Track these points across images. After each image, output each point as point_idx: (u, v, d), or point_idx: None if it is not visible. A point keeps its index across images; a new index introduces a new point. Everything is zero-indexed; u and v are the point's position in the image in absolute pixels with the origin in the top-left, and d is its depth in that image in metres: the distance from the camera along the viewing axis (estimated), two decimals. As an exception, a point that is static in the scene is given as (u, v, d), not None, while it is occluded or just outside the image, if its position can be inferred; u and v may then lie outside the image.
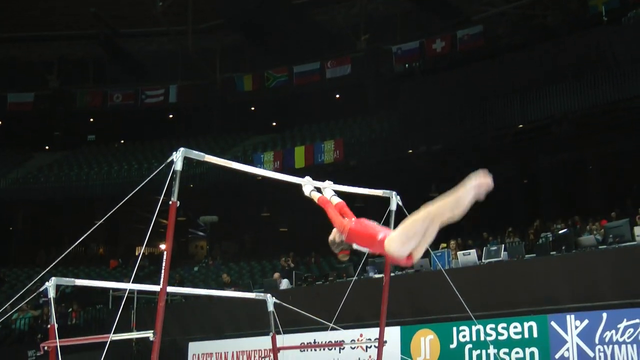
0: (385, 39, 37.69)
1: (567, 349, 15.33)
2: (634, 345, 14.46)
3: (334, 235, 8.20)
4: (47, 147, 44.69)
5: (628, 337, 14.59)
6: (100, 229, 36.11)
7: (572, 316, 15.45)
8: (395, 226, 10.45)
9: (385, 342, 11.30)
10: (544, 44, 29.87)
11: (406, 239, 7.17)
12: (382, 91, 36.63)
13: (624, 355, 14.57)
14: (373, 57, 38.06)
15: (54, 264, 10.06)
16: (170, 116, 44.69)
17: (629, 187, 28.18)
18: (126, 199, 8.79)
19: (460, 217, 6.88)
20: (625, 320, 14.69)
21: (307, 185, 8.87)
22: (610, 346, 14.78)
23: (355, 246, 8.04)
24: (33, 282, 12.54)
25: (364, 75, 38.24)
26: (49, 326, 11.03)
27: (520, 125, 28.64)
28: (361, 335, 18.04)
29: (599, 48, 27.10)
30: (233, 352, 21.31)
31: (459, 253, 19.39)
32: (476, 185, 6.62)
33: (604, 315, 15.02)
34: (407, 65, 36.84)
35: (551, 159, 30.34)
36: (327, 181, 9.10)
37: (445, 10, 34.31)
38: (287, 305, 13.61)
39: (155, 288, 9.20)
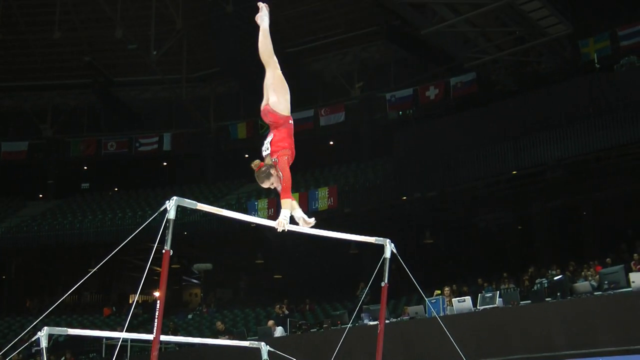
0: (379, 86, 37.87)
1: (564, 396, 15.32)
2: (630, 393, 14.46)
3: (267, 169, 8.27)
4: (40, 196, 44.56)
5: None
6: (94, 277, 35.96)
7: (569, 363, 15.46)
8: (389, 275, 10.43)
9: None
10: (537, 90, 30.02)
11: (285, 92, 8.40)
12: (376, 138, 36.73)
13: (621, 403, 14.57)
14: (367, 104, 38.17)
15: (46, 312, 9.97)
16: (165, 164, 44.69)
17: (623, 233, 28.20)
18: (120, 247, 8.75)
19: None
20: (620, 366, 14.72)
21: (285, 219, 8.27)
22: (607, 393, 14.78)
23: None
24: (25, 331, 12.42)
25: (357, 122, 38.33)
26: (42, 376, 10.92)
27: (514, 172, 28.68)
28: (357, 384, 17.95)
29: (591, 95, 27.29)
30: (228, 401, 21.21)
31: (454, 300, 19.39)
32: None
33: (600, 361, 15.05)
34: (400, 112, 36.98)
35: (545, 205, 30.35)
36: (311, 218, 8.82)
37: (439, 57, 34.48)
38: (281, 354, 13.53)
39: (149, 337, 9.12)
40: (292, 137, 8.36)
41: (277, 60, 8.38)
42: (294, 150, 8.32)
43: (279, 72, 8.37)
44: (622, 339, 15.26)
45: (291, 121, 8.46)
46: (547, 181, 28.48)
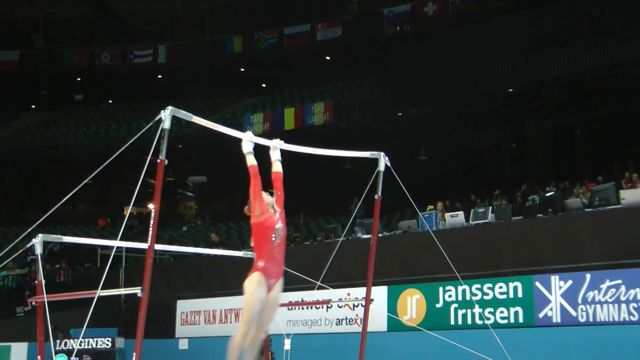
0: (377, 1, 37.43)
1: (551, 309, 15.56)
2: (616, 305, 14.70)
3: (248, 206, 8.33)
4: (33, 107, 44.46)
5: (610, 297, 14.86)
6: (88, 189, 36.16)
7: (557, 277, 15.70)
8: (383, 189, 10.48)
9: (372, 300, 11.32)
10: (536, 8, 29.80)
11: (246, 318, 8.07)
12: (372, 54, 36.55)
13: (606, 315, 14.81)
14: (364, 19, 37.86)
15: (40, 220, 10.00)
16: (159, 77, 44.49)
17: (616, 152, 28.31)
18: (113, 157, 8.74)
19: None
20: (607, 280, 14.98)
21: (247, 142, 8.51)
22: (593, 306, 15.00)
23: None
24: (19, 238, 12.52)
25: (354, 38, 38.07)
26: (36, 282, 11.07)
27: (510, 90, 28.70)
28: (348, 295, 18.16)
29: (591, 14, 27.15)
30: (221, 310, 21.48)
31: (447, 215, 19.50)
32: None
33: (587, 276, 15.28)
34: (398, 28, 36.74)
35: (540, 123, 30.43)
36: (276, 140, 8.99)
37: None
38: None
39: (144, 246, 9.22)
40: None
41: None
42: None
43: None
44: (610, 254, 15.40)
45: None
46: (543, 99, 28.51)
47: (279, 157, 8.88)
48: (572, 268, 15.74)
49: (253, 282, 8.04)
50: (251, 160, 8.36)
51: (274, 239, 8.19)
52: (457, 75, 29.45)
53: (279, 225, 8.26)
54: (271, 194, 8.49)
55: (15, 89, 43.72)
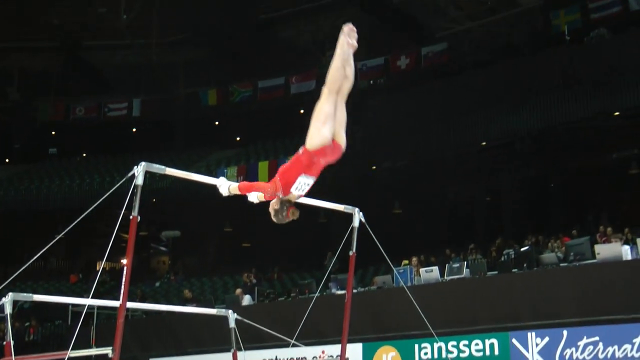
0: (350, 54, 37.67)
1: (528, 366, 15.48)
2: (593, 363, 14.65)
3: (272, 205, 7.83)
4: (7, 160, 44.26)
5: (588, 355, 14.87)
6: (60, 243, 35.76)
7: (533, 333, 15.71)
8: (358, 245, 10.51)
9: (347, 359, 11.24)
10: (507, 61, 30.16)
11: (321, 124, 7.56)
12: (346, 107, 36.56)
13: (584, 373, 14.75)
14: (338, 72, 38.02)
15: (11, 278, 9.93)
16: (134, 130, 44.43)
17: (590, 205, 28.47)
18: (87, 212, 8.73)
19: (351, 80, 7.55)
20: (585, 337, 15.00)
21: (223, 185, 8.17)
22: (571, 363, 14.95)
23: (295, 191, 7.80)
24: (-11, 297, 12.33)
25: (328, 90, 38.16)
26: (4, 343, 10.89)
27: (484, 143, 28.81)
28: (323, 352, 18.11)
29: (561, 67, 27.43)
30: (194, 369, 21.26)
31: (422, 270, 19.49)
32: (344, 34, 7.43)
33: (565, 332, 15.30)
34: (371, 81, 36.95)
35: (514, 176, 30.57)
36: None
37: (410, 27, 34.48)
38: (249, 322, 13.55)
39: (115, 303, 9.12)
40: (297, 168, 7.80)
41: (330, 90, 7.72)
42: (284, 182, 7.75)
43: (321, 102, 7.75)
44: (587, 310, 15.40)
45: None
46: (516, 152, 28.66)
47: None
48: (548, 324, 15.73)
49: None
50: (235, 191, 8.07)
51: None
52: (431, 128, 29.61)
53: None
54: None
55: (-11, 142, 43.55)
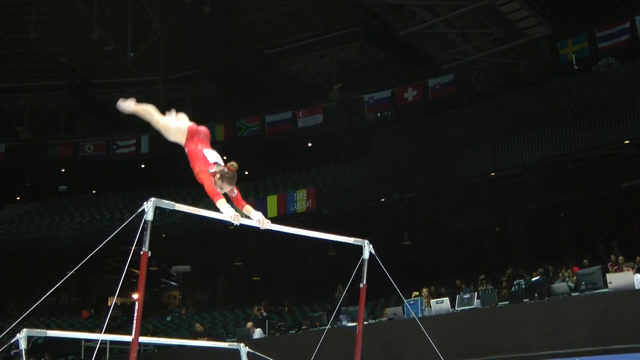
0: (357, 88, 37.78)
1: (541, 397, 15.41)
2: (606, 393, 14.57)
3: (215, 180, 8.70)
4: (18, 198, 44.38)
5: None
6: (72, 280, 35.92)
7: (545, 363, 15.56)
8: (368, 277, 10.47)
9: None
10: (516, 92, 30.16)
11: (173, 125, 9.20)
12: (354, 140, 36.76)
13: (596, 402, 14.68)
14: (345, 106, 38.13)
15: (25, 314, 9.98)
16: (142, 166, 44.55)
17: (600, 234, 28.36)
18: (97, 249, 8.71)
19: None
20: (597, 366, 14.83)
21: (226, 214, 8.67)
22: (583, 393, 14.88)
23: (216, 159, 8.84)
24: (4, 333, 12.37)
25: (335, 124, 38.30)
26: (20, 378, 10.86)
27: (492, 173, 28.76)
28: (335, 385, 17.99)
29: (570, 96, 27.38)
30: (206, 403, 21.16)
31: (432, 301, 19.49)
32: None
33: (577, 361, 15.15)
34: (379, 114, 37.00)
35: (523, 206, 30.46)
36: (264, 220, 9.06)
37: (417, 59, 34.51)
38: (261, 355, 13.53)
39: (127, 338, 9.12)
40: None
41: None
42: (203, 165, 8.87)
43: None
44: (599, 339, 15.37)
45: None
46: (525, 183, 28.60)
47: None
48: (560, 354, 15.70)
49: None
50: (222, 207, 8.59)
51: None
52: (439, 159, 29.56)
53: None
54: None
55: (0, 180, 43.64)
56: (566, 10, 30.83)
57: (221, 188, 8.63)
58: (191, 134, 8.88)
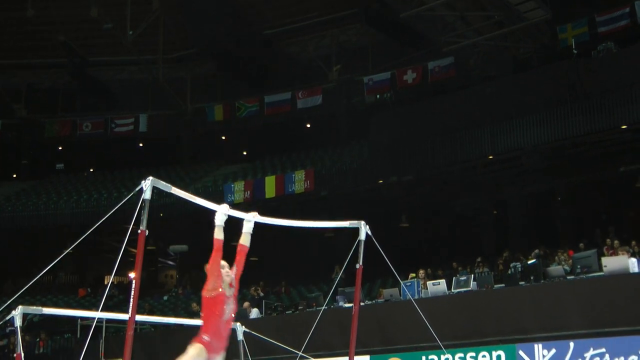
0: (356, 69, 37.86)
1: (535, 378, 15.51)
2: (600, 374, 14.66)
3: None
4: (14, 176, 44.42)
5: None
6: (69, 258, 35.97)
7: (540, 345, 15.72)
8: (365, 258, 10.52)
9: None
10: (515, 75, 30.20)
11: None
12: (353, 122, 36.80)
13: (590, 384, 14.77)
14: (344, 87, 38.21)
15: (20, 292, 9.98)
16: (141, 145, 44.58)
17: (597, 218, 28.45)
18: (94, 227, 8.76)
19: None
20: (591, 349, 15.01)
21: (220, 215, 8.65)
22: (577, 374, 14.97)
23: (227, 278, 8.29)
24: (-1, 310, 12.43)
25: (335, 105, 38.35)
26: (15, 355, 10.97)
27: (490, 157, 28.84)
28: (331, 364, 18.10)
29: (569, 81, 27.39)
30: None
31: (429, 283, 19.54)
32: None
33: (571, 344, 15.30)
34: (378, 96, 36.98)
35: (521, 190, 30.58)
36: (253, 213, 9.08)
37: (417, 41, 34.46)
38: (257, 335, 13.61)
39: (124, 317, 9.15)
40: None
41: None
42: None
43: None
44: (594, 322, 15.40)
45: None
46: (523, 166, 28.69)
47: (250, 231, 8.97)
48: (555, 336, 15.74)
49: (195, 351, 7.87)
50: (218, 234, 8.44)
51: (223, 315, 8.06)
52: (437, 142, 29.62)
53: (231, 303, 8.15)
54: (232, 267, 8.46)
55: (-3, 158, 43.68)
56: (566, -6, 30.84)
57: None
58: (215, 301, 8.14)
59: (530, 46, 31.75)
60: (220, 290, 8.03)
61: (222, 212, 8.59)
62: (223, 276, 8.13)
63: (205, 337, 7.87)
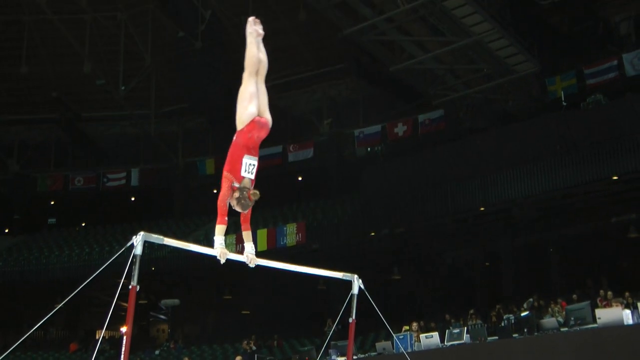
0: (347, 123, 38.05)
1: None
2: None
3: (233, 197, 8.46)
4: (7, 231, 44.39)
5: None
6: (60, 313, 35.83)
7: (535, 398, 15.61)
8: (357, 311, 10.52)
9: None
10: (504, 128, 30.43)
11: (247, 103, 8.39)
12: (344, 174, 36.97)
13: None
14: (335, 140, 38.44)
15: (11, 349, 9.93)
16: (133, 199, 44.66)
17: (589, 269, 28.51)
18: (86, 282, 8.65)
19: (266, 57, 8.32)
20: (586, 402, 14.89)
21: (216, 249, 8.58)
22: None
23: (245, 174, 8.54)
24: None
25: (326, 158, 38.54)
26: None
27: (482, 209, 28.93)
28: (324, 422, 18.03)
29: (558, 132, 27.61)
30: None
31: (422, 336, 19.57)
32: (250, 24, 8.42)
33: (566, 397, 15.19)
34: (369, 149, 37.23)
35: (512, 241, 30.64)
36: (250, 255, 8.99)
37: (407, 94, 34.76)
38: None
39: (115, 374, 9.10)
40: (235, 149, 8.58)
41: (249, 73, 8.48)
42: (232, 170, 8.55)
43: (243, 86, 8.49)
44: (589, 375, 15.43)
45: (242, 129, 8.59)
46: (514, 218, 28.77)
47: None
48: (549, 389, 15.72)
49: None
50: (220, 237, 8.61)
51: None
52: (428, 194, 29.77)
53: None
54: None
55: (-11, 213, 43.73)
56: (554, 47, 31.18)
57: (233, 205, 8.55)
58: (249, 129, 8.46)
59: (519, 98, 32.05)
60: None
61: (220, 255, 8.53)
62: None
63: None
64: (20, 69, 38.30)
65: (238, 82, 8.59)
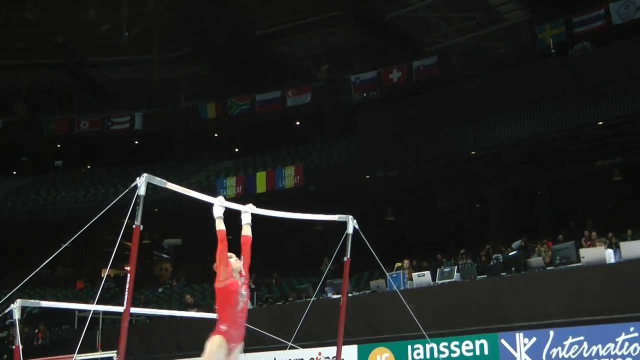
0: (344, 69, 38.50)
1: (517, 365, 16.00)
2: (579, 361, 15.24)
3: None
4: (14, 173, 44.99)
5: (573, 354, 15.40)
6: (67, 252, 36.51)
7: (521, 334, 16.23)
8: (352, 251, 11.05)
9: (343, 359, 11.70)
10: (496, 74, 30.62)
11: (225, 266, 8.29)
12: (340, 119, 37.30)
13: (570, 371, 15.33)
14: (332, 86, 38.96)
15: (19, 285, 10.59)
16: (136, 142, 45.18)
17: (574, 211, 28.96)
18: (92, 222, 9.24)
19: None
20: (570, 337, 15.54)
21: (218, 207, 8.72)
22: (557, 362, 15.53)
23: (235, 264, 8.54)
24: (-1, 302, 12.88)
25: (323, 103, 39.07)
26: (14, 347, 11.41)
27: (473, 152, 29.41)
28: (319, 354, 18.64)
29: (547, 79, 27.90)
30: (195, 371, 21.71)
31: (414, 274, 19.94)
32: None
33: (551, 333, 15.83)
34: (365, 94, 37.61)
35: (502, 184, 31.10)
36: (249, 204, 9.37)
37: (402, 41, 35.07)
38: (248, 325, 14.25)
39: (120, 309, 9.48)
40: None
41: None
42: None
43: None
44: (572, 311, 15.75)
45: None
46: (504, 162, 29.31)
47: (249, 221, 9.19)
48: (536, 325, 16.17)
49: (215, 344, 8.16)
50: (220, 225, 8.58)
51: (237, 304, 8.25)
52: (422, 138, 30.13)
53: (243, 291, 8.35)
54: (240, 258, 8.65)
55: (-3, 155, 44.13)
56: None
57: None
58: (229, 290, 8.28)
59: (510, 46, 32.28)
60: (232, 279, 8.25)
61: (218, 204, 8.73)
62: (232, 264, 8.33)
63: (223, 327, 8.20)
64: (26, 15, 38.62)
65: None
